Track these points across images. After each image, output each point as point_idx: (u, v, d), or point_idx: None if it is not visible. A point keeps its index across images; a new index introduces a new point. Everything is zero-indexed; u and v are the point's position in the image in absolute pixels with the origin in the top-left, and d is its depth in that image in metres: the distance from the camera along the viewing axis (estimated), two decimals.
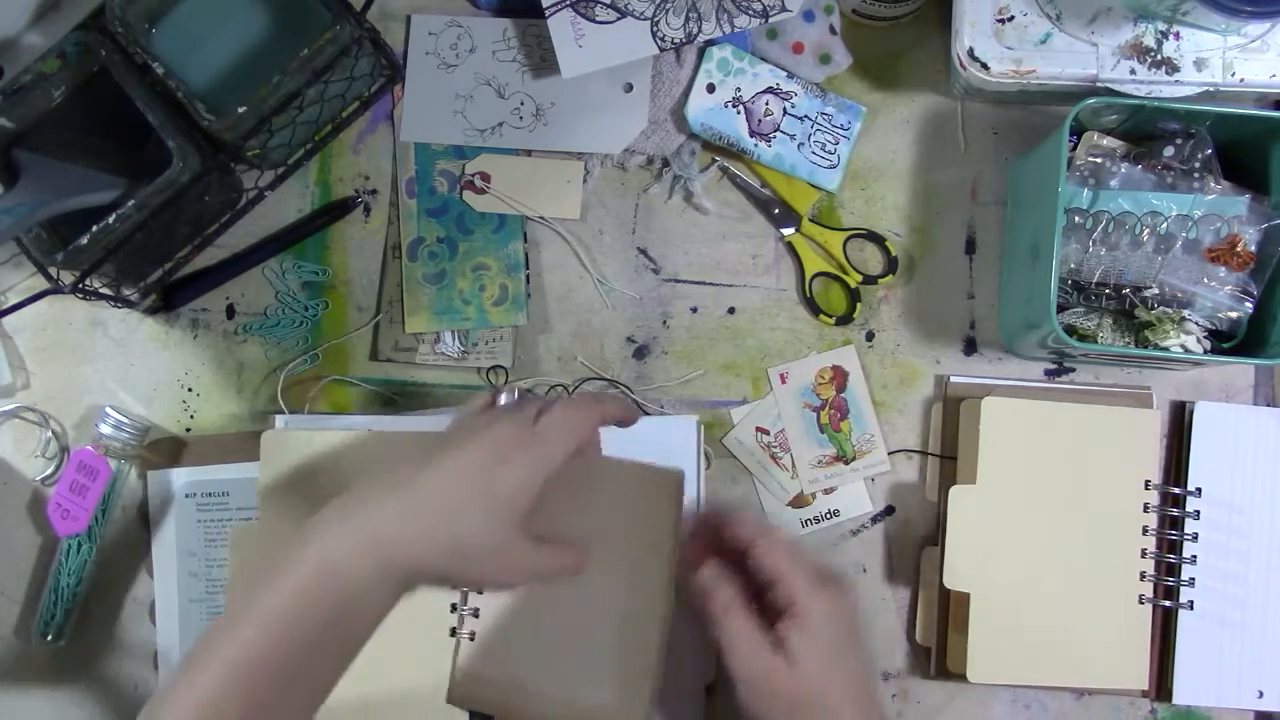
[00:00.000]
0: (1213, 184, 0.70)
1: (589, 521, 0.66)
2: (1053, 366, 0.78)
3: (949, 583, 0.72)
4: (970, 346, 0.78)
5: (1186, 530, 0.73)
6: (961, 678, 0.72)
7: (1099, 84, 0.69)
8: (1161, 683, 0.74)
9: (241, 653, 0.52)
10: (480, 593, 0.70)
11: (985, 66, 0.70)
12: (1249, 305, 0.70)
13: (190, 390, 0.79)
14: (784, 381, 0.77)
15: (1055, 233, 0.66)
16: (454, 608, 0.71)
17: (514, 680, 0.68)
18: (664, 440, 0.74)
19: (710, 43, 0.76)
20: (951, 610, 0.74)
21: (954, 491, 0.73)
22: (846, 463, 0.76)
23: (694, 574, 0.64)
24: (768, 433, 0.77)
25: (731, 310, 0.78)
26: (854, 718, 0.60)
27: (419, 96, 0.78)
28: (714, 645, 0.62)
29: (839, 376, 0.77)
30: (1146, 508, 0.73)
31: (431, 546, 0.55)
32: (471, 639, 0.69)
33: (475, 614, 0.70)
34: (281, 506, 0.71)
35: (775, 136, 0.77)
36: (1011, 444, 0.73)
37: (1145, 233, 0.70)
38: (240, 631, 0.52)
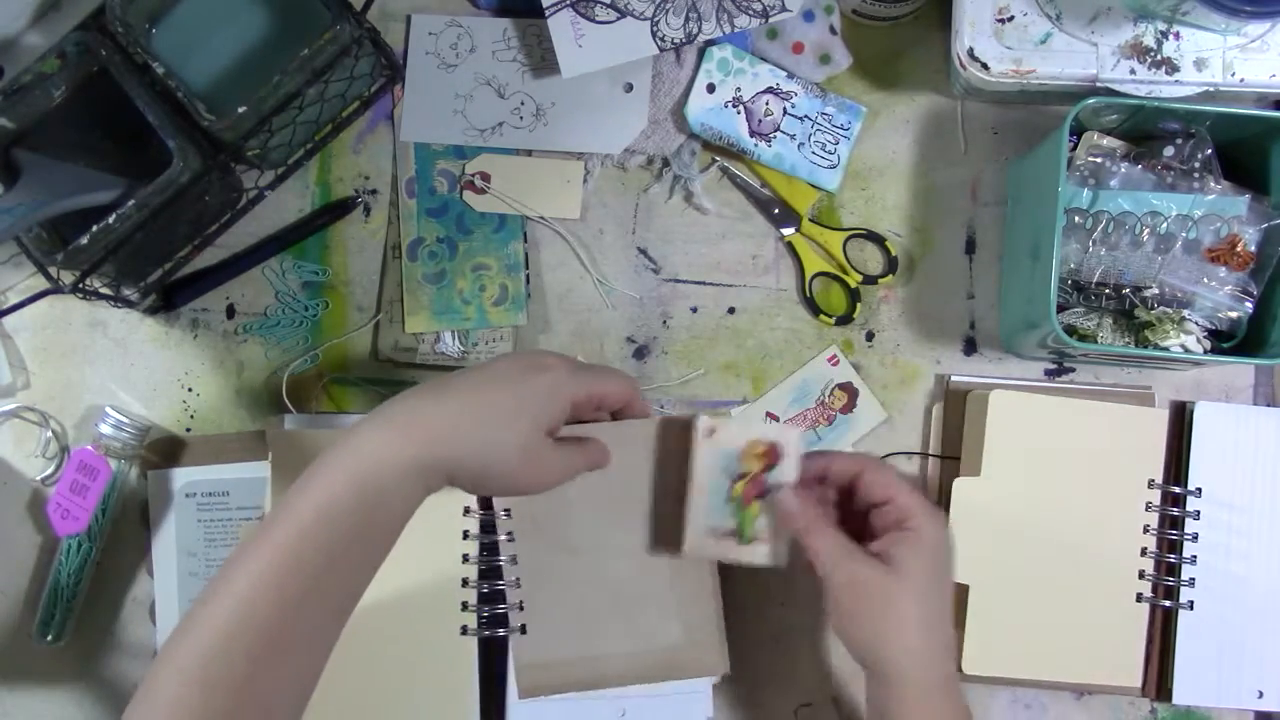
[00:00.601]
0: (1213, 184, 0.70)
1: (616, 477, 0.67)
2: (1053, 366, 0.78)
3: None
4: (970, 346, 0.78)
5: (1186, 530, 0.73)
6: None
7: (1099, 84, 0.69)
8: (1161, 683, 0.74)
9: (274, 553, 0.53)
10: (508, 552, 0.70)
11: (985, 66, 0.70)
12: (1249, 305, 0.70)
13: (190, 390, 0.79)
14: (711, 435, 0.65)
15: (1055, 233, 0.66)
16: (465, 606, 0.71)
17: (579, 654, 0.69)
18: None
19: (710, 43, 0.76)
20: None
21: (958, 484, 0.73)
22: (739, 541, 0.65)
23: (779, 500, 0.64)
24: (778, 418, 0.77)
25: (731, 310, 0.78)
26: (940, 647, 0.62)
27: (419, 96, 0.78)
28: (808, 566, 0.63)
29: (772, 454, 0.65)
30: (1148, 506, 0.73)
31: (462, 439, 0.57)
32: (523, 633, 0.70)
33: (503, 618, 0.70)
34: None
35: (775, 136, 0.77)
36: (1017, 438, 0.73)
37: (1145, 233, 0.70)
38: (273, 533, 0.53)
